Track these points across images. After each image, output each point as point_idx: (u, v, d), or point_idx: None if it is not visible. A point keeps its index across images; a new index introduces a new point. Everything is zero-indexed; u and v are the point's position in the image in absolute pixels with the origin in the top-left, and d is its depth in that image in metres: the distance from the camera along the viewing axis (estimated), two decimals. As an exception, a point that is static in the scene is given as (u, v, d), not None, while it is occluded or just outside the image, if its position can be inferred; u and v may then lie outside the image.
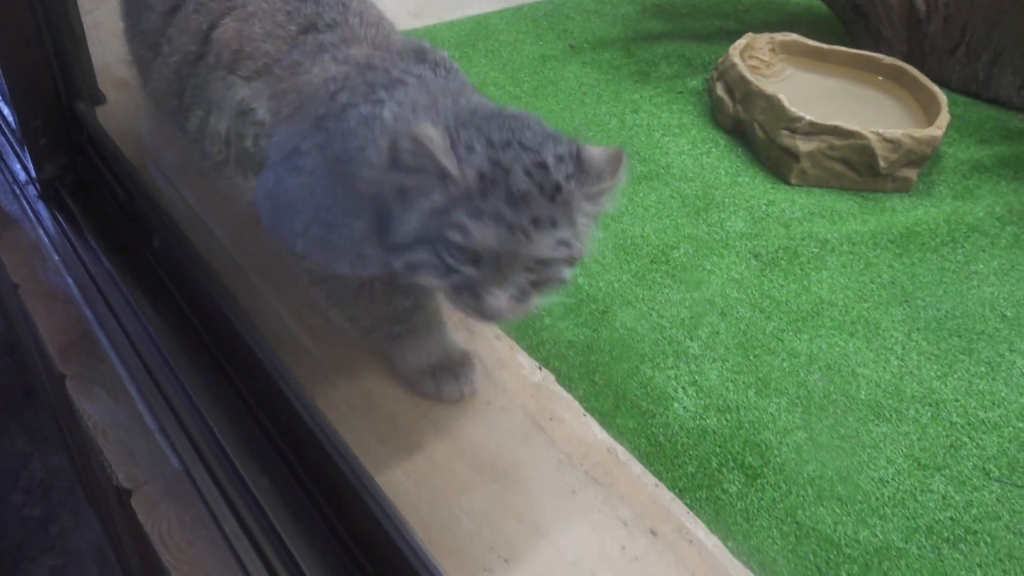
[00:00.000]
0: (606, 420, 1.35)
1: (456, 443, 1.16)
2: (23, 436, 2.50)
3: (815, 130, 2.07)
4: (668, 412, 1.45)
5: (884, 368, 1.59)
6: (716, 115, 2.36)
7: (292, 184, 1.05)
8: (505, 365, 1.30)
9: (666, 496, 1.14)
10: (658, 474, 1.19)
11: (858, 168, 2.09)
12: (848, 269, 1.85)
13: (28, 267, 1.43)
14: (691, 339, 1.61)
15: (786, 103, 2.12)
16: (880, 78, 2.45)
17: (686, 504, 1.14)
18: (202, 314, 1.27)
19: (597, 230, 1.00)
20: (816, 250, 1.89)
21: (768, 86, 2.21)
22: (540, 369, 1.31)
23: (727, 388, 1.51)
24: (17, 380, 2.47)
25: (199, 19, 1.22)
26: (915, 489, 1.37)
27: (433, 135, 0.89)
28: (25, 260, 1.44)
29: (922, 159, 2.10)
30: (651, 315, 1.66)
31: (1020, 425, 1.50)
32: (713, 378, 1.53)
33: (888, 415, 1.49)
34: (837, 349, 1.63)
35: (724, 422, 1.44)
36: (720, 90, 2.34)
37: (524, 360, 1.32)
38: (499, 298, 0.91)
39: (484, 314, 0.93)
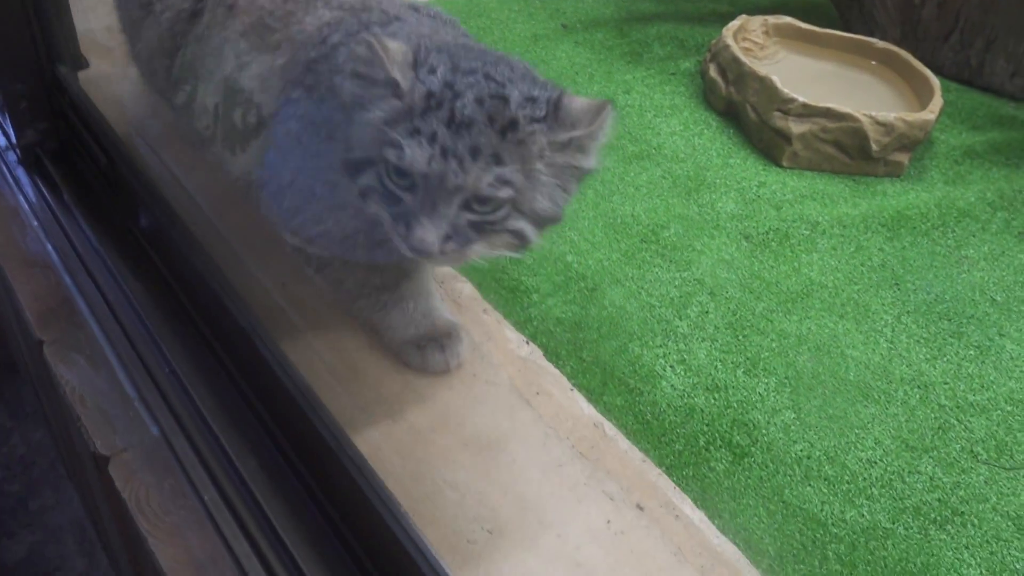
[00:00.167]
0: (593, 397, 1.33)
1: (441, 415, 1.14)
2: (4, 411, 2.47)
3: (808, 112, 2.06)
4: (656, 390, 1.43)
5: (873, 350, 1.58)
6: (708, 96, 2.34)
7: (280, 134, 1.03)
8: (492, 339, 1.28)
9: (653, 471, 1.13)
10: (645, 451, 1.18)
11: (850, 151, 2.08)
12: (838, 252, 1.83)
13: (7, 233, 1.40)
14: (680, 318, 1.60)
15: (779, 85, 2.10)
16: (873, 62, 2.44)
17: (673, 481, 1.13)
18: (184, 281, 1.25)
19: (573, 188, 0.95)
20: (807, 232, 1.88)
21: (761, 68, 2.19)
22: (527, 343, 1.29)
23: (715, 367, 1.50)
24: (-2, 355, 2.43)
25: None
26: (903, 470, 1.36)
27: (393, 48, 0.85)
28: (4, 226, 1.41)
29: (914, 143, 2.09)
30: (640, 294, 1.64)
31: (1008, 408, 1.49)
32: (702, 357, 1.51)
33: (877, 396, 1.49)
34: (827, 330, 1.62)
35: (712, 401, 1.43)
36: (713, 71, 2.32)
37: (511, 334, 1.31)
38: (427, 230, 0.86)
39: (411, 245, 0.87)
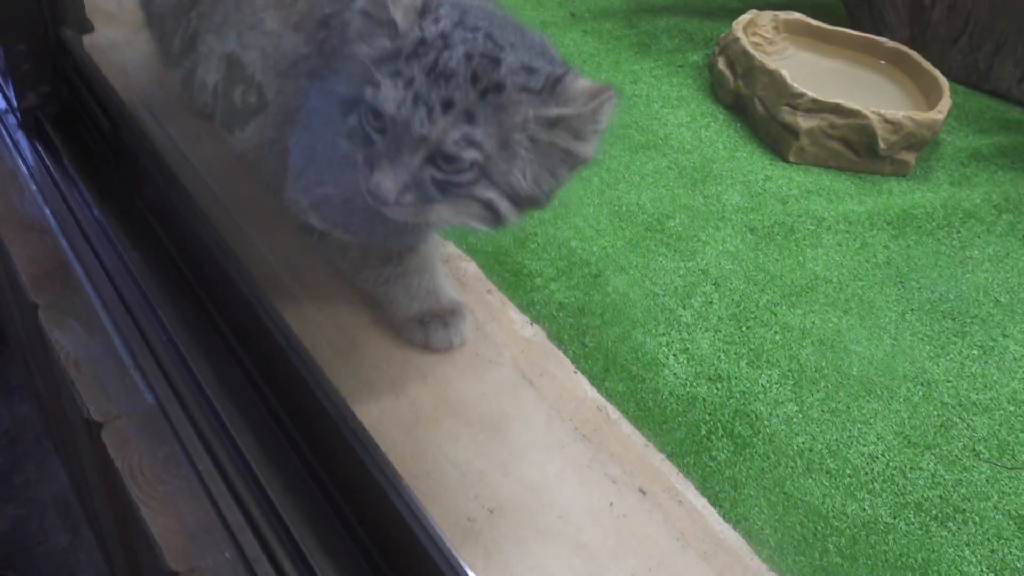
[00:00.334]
0: (595, 383, 1.31)
1: (443, 392, 1.12)
2: (-10, 385, 2.44)
3: (816, 107, 2.04)
4: (658, 378, 1.42)
5: (877, 346, 1.57)
6: (716, 90, 2.32)
7: (289, 92, 1.00)
8: (496, 319, 1.26)
9: (656, 457, 1.11)
10: (647, 438, 1.16)
11: (857, 148, 2.06)
12: (843, 247, 1.82)
13: (4, 197, 1.38)
14: (684, 307, 1.58)
15: (788, 79, 2.08)
16: (882, 62, 2.43)
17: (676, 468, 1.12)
18: (184, 249, 1.23)
19: (562, 173, 0.89)
20: (812, 227, 1.86)
21: (771, 62, 2.18)
22: (531, 324, 1.27)
23: (719, 357, 1.48)
24: (-15, 328, 2.40)
25: None
26: (904, 466, 1.35)
27: None
28: (1, 190, 1.39)
29: (922, 143, 2.08)
30: (644, 282, 1.63)
31: (1011, 408, 1.48)
32: (705, 347, 1.50)
33: (879, 392, 1.47)
34: (830, 325, 1.60)
35: (715, 391, 1.42)
36: (722, 64, 2.30)
37: (515, 315, 1.29)
38: (387, 175, 0.83)
39: (368, 189, 0.84)
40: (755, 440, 1.34)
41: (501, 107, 0.83)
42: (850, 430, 1.39)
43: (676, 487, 1.07)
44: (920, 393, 1.48)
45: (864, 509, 1.27)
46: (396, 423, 1.06)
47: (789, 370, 1.48)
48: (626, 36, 2.57)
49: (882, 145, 2.03)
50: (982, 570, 1.21)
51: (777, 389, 1.44)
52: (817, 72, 2.36)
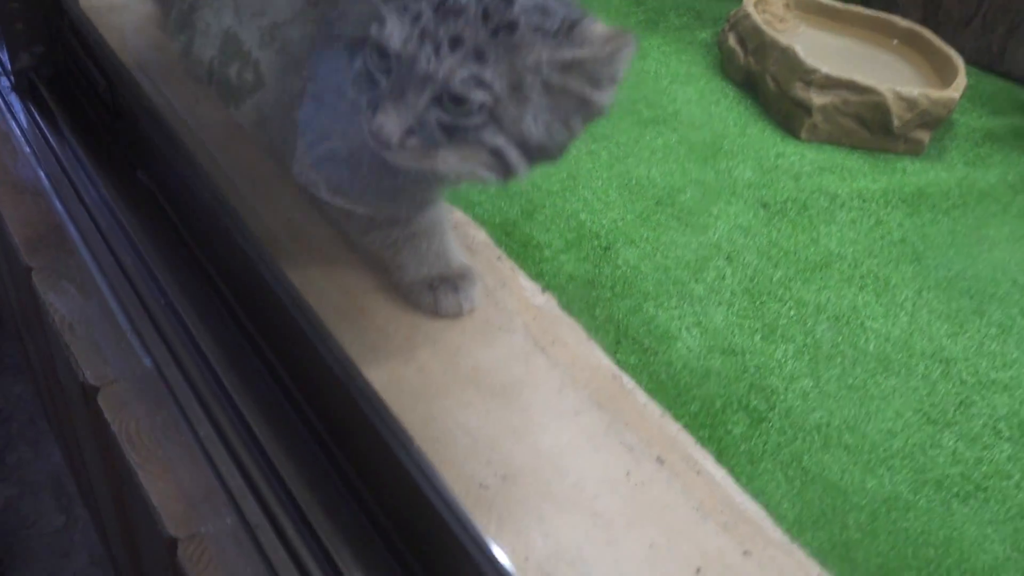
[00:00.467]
0: (607, 354, 1.28)
1: (452, 358, 1.08)
2: (-17, 364, 2.41)
3: (830, 83, 2.00)
4: (671, 351, 1.38)
5: (894, 323, 1.53)
6: (726, 67, 2.28)
7: (295, 40, 0.96)
8: (506, 286, 1.22)
9: (673, 426, 1.07)
10: (663, 407, 1.12)
11: (871, 126, 2.02)
12: (858, 224, 1.78)
13: (-3, 158, 1.33)
14: (696, 281, 1.54)
15: (801, 55, 2.04)
16: (895, 42, 2.39)
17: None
18: (183, 211, 1.18)
19: (576, 124, 0.85)
20: (825, 204, 1.82)
21: (783, 38, 2.13)
22: (543, 292, 1.23)
23: (732, 331, 1.44)
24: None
25: None
26: (924, 443, 1.31)
27: None
28: (-5, 150, 1.34)
29: (936, 121, 2.04)
30: (655, 255, 1.59)
31: (1031, 387, 1.45)
32: (718, 321, 1.46)
33: (897, 369, 1.44)
34: (846, 301, 1.56)
35: (729, 364, 1.38)
36: (732, 41, 2.26)
37: (526, 283, 1.24)
38: (390, 116, 0.78)
39: (371, 131, 0.79)
40: (771, 414, 1.31)
41: (513, 47, 0.78)
42: (868, 406, 1.35)
43: (694, 457, 1.03)
44: (939, 370, 1.45)
45: (884, 485, 1.23)
46: (404, 388, 1.02)
47: (804, 345, 1.45)
48: (634, 14, 2.53)
49: (896, 123, 1.99)
50: (1006, 549, 1.17)
51: (792, 364, 1.40)
52: (829, 51, 2.32)
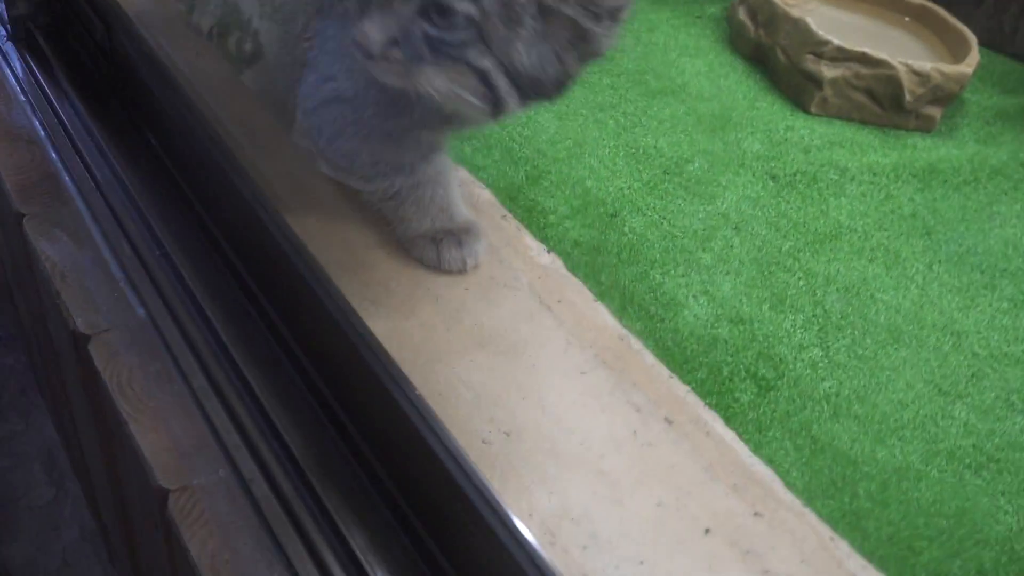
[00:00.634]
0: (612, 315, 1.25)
1: (455, 314, 1.05)
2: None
3: (842, 56, 1.96)
4: (678, 318, 1.35)
5: (904, 295, 1.50)
6: (735, 41, 2.24)
7: None
8: (511, 244, 1.19)
9: (681, 388, 1.04)
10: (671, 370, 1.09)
11: (882, 101, 1.99)
12: (868, 198, 1.75)
13: (-10, 107, 1.30)
14: (703, 250, 1.51)
15: (813, 26, 2.00)
16: (907, 19, 2.35)
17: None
18: (179, 159, 1.15)
19: (569, 61, 0.80)
20: (835, 177, 1.79)
21: (794, 10, 2.09)
22: (548, 252, 1.20)
23: (740, 300, 1.41)
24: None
25: None
26: (935, 414, 1.28)
27: None
28: (-13, 99, 1.31)
29: (948, 97, 2.00)
30: (662, 224, 1.55)
31: (1044, 362, 1.42)
32: (726, 289, 1.43)
33: (908, 340, 1.41)
34: (855, 273, 1.53)
35: (737, 333, 1.35)
36: (742, 14, 2.22)
37: (531, 242, 1.21)
38: (374, 23, 0.75)
39: (355, 40, 0.77)
40: (779, 383, 1.28)
41: None
42: (878, 377, 1.32)
43: (703, 418, 1.00)
44: (950, 343, 1.42)
45: (894, 455, 1.20)
46: (406, 343, 0.99)
47: (813, 315, 1.42)
48: (642, -14, 2.49)
49: (908, 97, 1.96)
50: (1019, 520, 1.15)
51: (801, 334, 1.37)
52: (840, 27, 2.27)
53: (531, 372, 0.99)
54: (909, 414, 1.27)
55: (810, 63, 1.99)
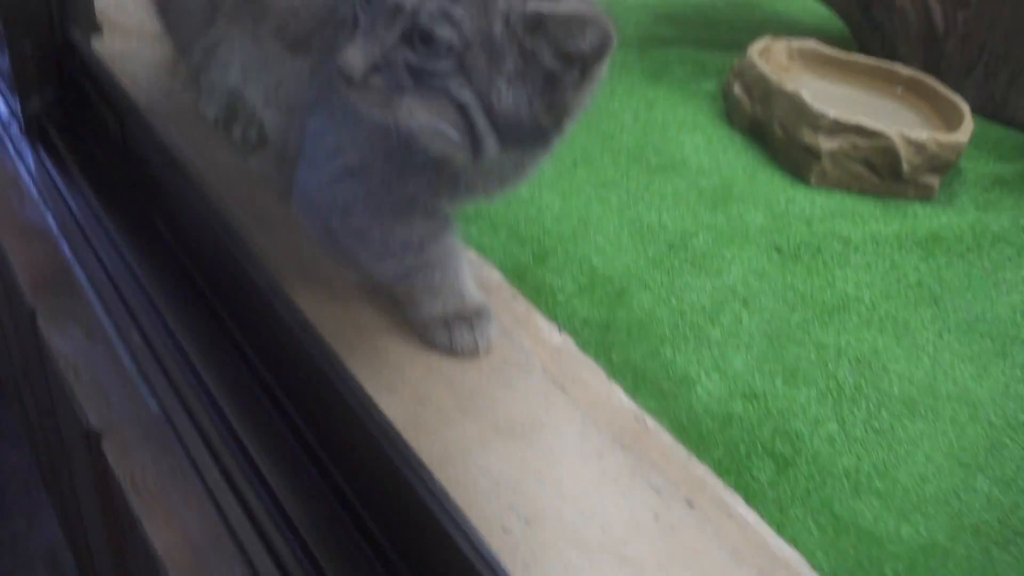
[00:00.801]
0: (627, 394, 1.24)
1: (469, 399, 1.04)
2: (-20, 433, 2.35)
3: (838, 128, 2.00)
4: (691, 395, 1.34)
5: (916, 366, 1.49)
6: (732, 116, 2.28)
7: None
8: (522, 325, 1.19)
9: (700, 468, 1.03)
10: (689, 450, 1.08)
11: (880, 171, 2.01)
12: (873, 268, 1.75)
13: (4, 202, 1.31)
14: (713, 325, 1.51)
15: (808, 100, 2.04)
16: (899, 89, 2.39)
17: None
18: (192, 251, 1.16)
19: (541, 107, 0.82)
20: (839, 248, 1.80)
21: (789, 84, 2.14)
22: (560, 332, 1.20)
23: (752, 375, 1.40)
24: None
25: None
26: (958, 488, 1.26)
27: None
28: (1, 194, 1.32)
29: (945, 165, 2.03)
30: (670, 299, 1.55)
31: (1062, 429, 1.40)
32: (738, 365, 1.42)
33: (924, 412, 1.39)
34: (866, 344, 1.53)
35: (751, 409, 1.33)
36: (738, 90, 2.27)
37: (542, 322, 1.21)
38: (357, 48, 0.77)
39: (338, 66, 0.78)
40: (797, 460, 1.26)
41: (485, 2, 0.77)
42: (897, 450, 1.31)
43: (724, 500, 0.98)
44: (966, 413, 1.40)
45: (919, 532, 1.18)
46: (422, 429, 0.98)
47: (827, 388, 1.41)
48: (637, 65, 2.54)
49: (906, 167, 1.98)
50: (1051, 596, 1.12)
51: (816, 408, 1.36)
52: (834, 99, 2.32)
53: (548, 456, 0.98)
54: (931, 488, 1.25)
55: (807, 136, 2.02)
